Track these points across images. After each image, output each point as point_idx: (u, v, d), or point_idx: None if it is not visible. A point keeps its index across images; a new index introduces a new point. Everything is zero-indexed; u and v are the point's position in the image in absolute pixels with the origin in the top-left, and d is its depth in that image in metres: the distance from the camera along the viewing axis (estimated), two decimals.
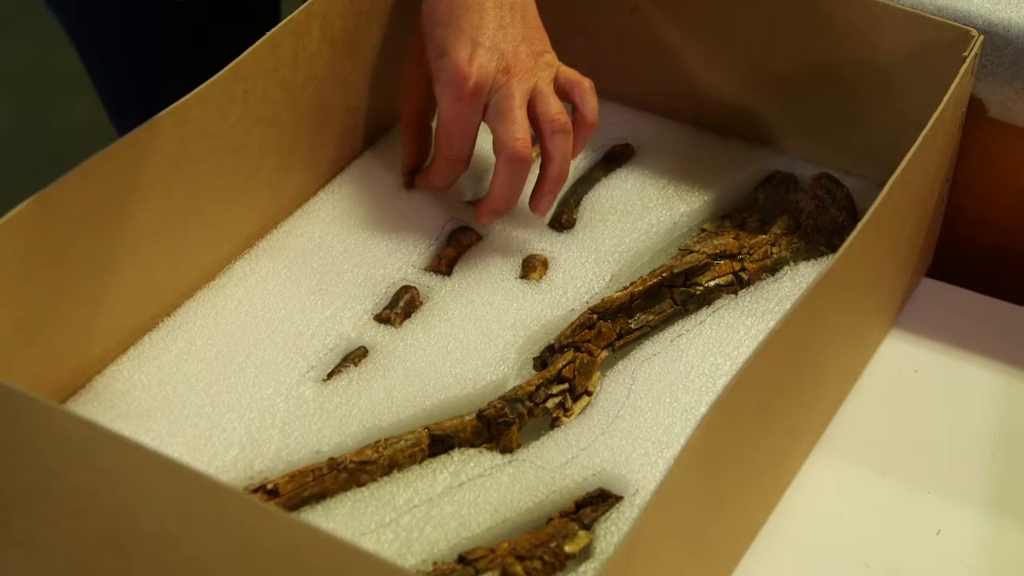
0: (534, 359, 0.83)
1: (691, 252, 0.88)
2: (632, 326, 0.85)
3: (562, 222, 0.92)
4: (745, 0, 0.94)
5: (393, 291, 0.86)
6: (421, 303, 0.86)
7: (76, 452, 0.64)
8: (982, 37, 0.86)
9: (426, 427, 0.77)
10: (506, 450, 0.78)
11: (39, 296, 0.75)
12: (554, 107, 0.86)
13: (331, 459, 0.75)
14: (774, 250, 0.89)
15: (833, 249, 0.90)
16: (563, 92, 0.88)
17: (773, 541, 0.78)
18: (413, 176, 0.93)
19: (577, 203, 0.93)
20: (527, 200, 0.89)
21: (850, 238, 0.74)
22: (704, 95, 0.98)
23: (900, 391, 0.87)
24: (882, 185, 0.77)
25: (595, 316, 0.84)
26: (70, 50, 1.18)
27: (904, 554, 0.78)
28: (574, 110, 0.88)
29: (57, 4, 1.15)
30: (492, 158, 0.87)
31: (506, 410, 0.78)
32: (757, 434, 0.73)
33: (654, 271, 0.87)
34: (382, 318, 0.85)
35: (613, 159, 0.97)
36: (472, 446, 0.78)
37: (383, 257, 0.88)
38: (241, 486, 0.74)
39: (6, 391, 0.64)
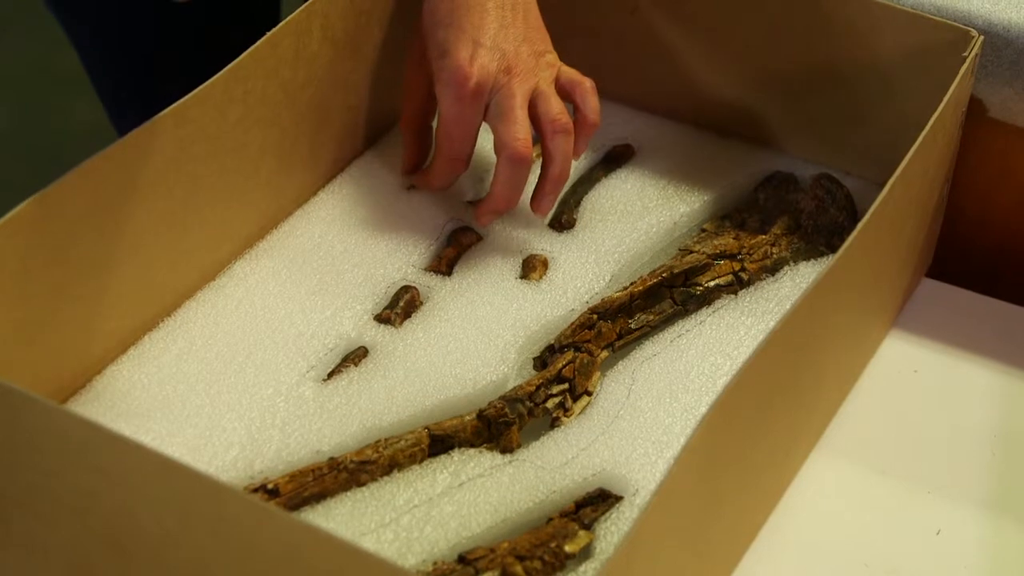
0: (534, 359, 0.83)
1: (691, 252, 0.89)
2: (632, 326, 0.85)
3: (562, 222, 0.92)
4: (745, 0, 0.94)
5: (393, 291, 0.86)
6: (421, 303, 0.86)
7: (76, 452, 0.64)
8: (982, 37, 0.86)
9: (426, 427, 0.77)
10: (506, 450, 0.78)
11: (39, 296, 0.75)
12: (555, 107, 0.86)
13: (331, 459, 0.75)
14: (774, 250, 0.89)
15: (833, 249, 0.90)
16: (564, 92, 0.88)
17: (773, 541, 0.78)
18: (414, 176, 0.93)
19: (577, 203, 0.93)
20: (528, 200, 0.89)
21: (850, 238, 0.74)
22: (704, 95, 0.98)
23: (900, 391, 0.87)
24: (882, 185, 0.77)
25: (595, 316, 0.84)
26: (70, 50, 1.18)
27: (904, 554, 0.78)
28: (575, 110, 0.88)
29: (57, 4, 1.15)
30: (493, 158, 0.87)
31: (506, 410, 0.78)
32: (757, 434, 0.73)
33: (654, 271, 0.87)
34: (382, 318, 0.85)
35: (613, 159, 0.97)
36: (472, 446, 0.78)
37: (383, 257, 0.88)
38: (241, 486, 0.74)
39: (6, 391, 0.64)
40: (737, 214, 0.93)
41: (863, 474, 0.82)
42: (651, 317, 0.85)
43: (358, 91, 0.94)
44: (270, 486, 0.73)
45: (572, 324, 0.84)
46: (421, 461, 0.77)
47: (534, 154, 0.90)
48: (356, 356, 0.82)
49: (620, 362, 0.83)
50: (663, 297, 0.86)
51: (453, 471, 0.76)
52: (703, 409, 0.76)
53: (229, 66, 0.82)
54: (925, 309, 0.92)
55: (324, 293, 0.86)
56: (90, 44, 1.17)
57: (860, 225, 0.75)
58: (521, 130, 0.84)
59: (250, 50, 0.83)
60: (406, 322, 0.85)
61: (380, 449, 0.76)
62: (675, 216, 0.93)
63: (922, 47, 0.88)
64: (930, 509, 0.80)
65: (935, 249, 0.95)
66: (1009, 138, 0.94)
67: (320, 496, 0.74)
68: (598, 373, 0.82)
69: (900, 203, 0.81)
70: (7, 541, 0.71)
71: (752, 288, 0.88)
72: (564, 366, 0.81)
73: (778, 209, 0.92)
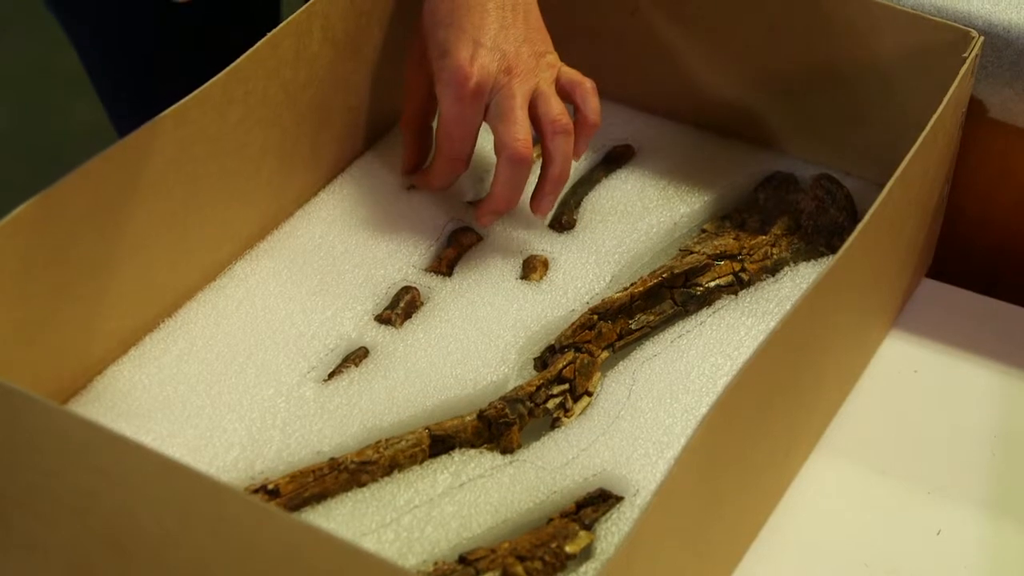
0: (534, 360, 0.83)
1: (691, 253, 0.89)
2: (632, 327, 0.85)
3: (562, 223, 0.92)
4: (745, 1, 0.94)
5: (394, 292, 0.86)
6: (422, 304, 0.86)
7: (77, 452, 0.64)
8: (982, 38, 0.86)
9: (427, 427, 0.77)
10: (507, 450, 0.78)
11: (40, 296, 0.75)
12: (555, 108, 0.86)
13: (332, 459, 0.75)
14: (774, 251, 0.89)
15: (833, 250, 0.90)
16: (565, 93, 0.88)
17: (773, 541, 0.78)
18: (414, 176, 0.93)
19: (577, 204, 0.93)
20: (528, 201, 0.89)
21: (850, 239, 0.74)
22: (704, 96, 0.98)
23: (900, 391, 0.87)
24: (882, 186, 0.77)
25: (595, 317, 0.84)
26: (70, 50, 1.18)
27: (904, 554, 0.78)
28: (575, 111, 0.88)
29: (57, 4, 1.15)
30: (493, 158, 0.87)
31: (507, 410, 0.78)
32: (757, 434, 0.73)
33: (654, 272, 0.87)
34: (383, 319, 0.85)
35: (613, 160, 0.97)
36: (473, 446, 0.78)
37: (384, 258, 0.88)
38: (242, 487, 0.74)
39: (6, 391, 0.64)
40: (737, 214, 0.93)
41: (863, 474, 0.82)
42: (651, 318, 0.85)
43: (358, 91, 0.94)
44: (271, 487, 0.73)
45: (572, 324, 0.84)
46: (422, 461, 0.77)
47: (534, 155, 0.90)
48: (357, 357, 0.82)
49: (620, 363, 0.83)
50: (663, 298, 0.86)
51: (454, 471, 0.76)
52: (703, 409, 0.76)
53: (230, 67, 0.82)
54: (925, 309, 0.92)
55: (325, 293, 0.86)
56: (90, 44, 1.17)
57: (860, 225, 0.75)
58: (521, 130, 0.84)
59: (251, 51, 0.83)
60: (407, 323, 0.85)
61: (381, 449, 0.76)
62: (675, 217, 0.93)
63: (922, 48, 0.88)
64: (930, 509, 0.80)
65: (935, 249, 0.95)
66: (1009, 138, 0.94)
67: (321, 497, 0.74)
68: (598, 373, 0.82)
69: (900, 203, 0.81)
70: (7, 541, 0.71)
71: (752, 288, 0.88)
72: (564, 366, 0.81)
73: (778, 209, 0.92)
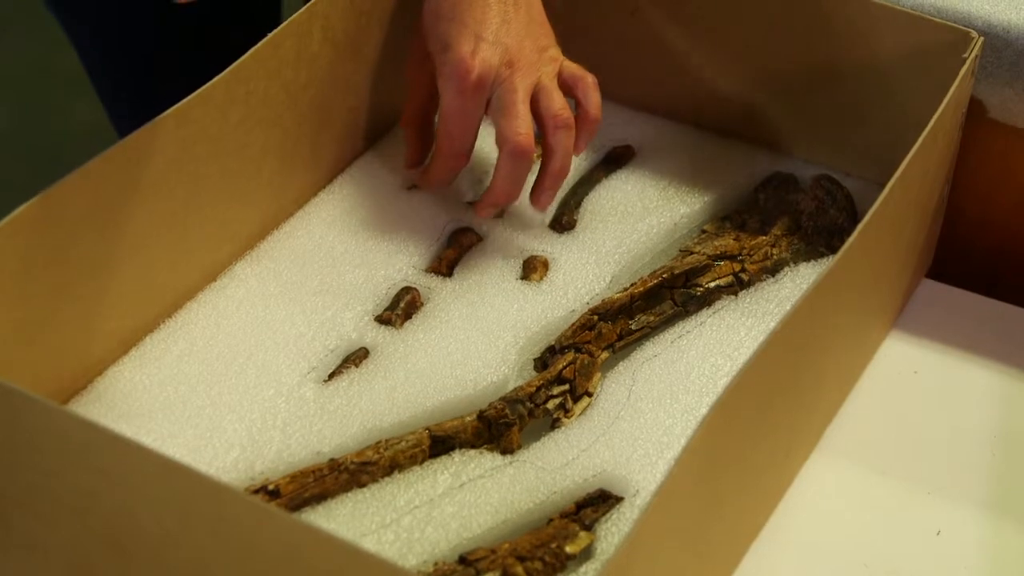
0: (535, 360, 0.83)
1: (691, 253, 0.89)
2: (632, 327, 0.85)
3: (562, 223, 0.92)
4: (745, 1, 0.94)
5: (394, 292, 0.86)
6: (422, 304, 0.86)
7: (77, 453, 0.64)
8: (982, 39, 0.86)
9: (427, 428, 0.77)
10: (507, 451, 0.78)
11: (40, 297, 0.75)
12: (557, 102, 0.86)
13: (332, 460, 0.75)
14: (774, 251, 0.89)
15: (833, 250, 0.90)
16: (567, 87, 0.88)
17: (773, 542, 0.78)
18: (414, 174, 0.93)
19: (577, 204, 0.93)
20: (526, 199, 0.89)
21: (850, 239, 0.74)
22: (704, 96, 0.98)
23: (900, 392, 0.87)
24: (882, 186, 0.77)
25: (595, 317, 0.84)
26: (70, 50, 1.18)
27: (904, 555, 0.78)
28: (577, 106, 0.88)
29: (57, 4, 1.15)
30: (493, 159, 0.87)
31: (507, 411, 0.78)
32: (757, 435, 0.73)
33: (654, 272, 0.87)
34: (383, 319, 0.85)
35: (613, 160, 0.97)
36: (473, 447, 0.78)
37: (384, 258, 0.88)
38: (242, 487, 0.74)
39: (7, 391, 0.64)
40: (737, 215, 0.93)
41: (863, 475, 0.82)
42: (651, 318, 0.86)
43: (359, 92, 0.94)
44: (271, 487, 0.73)
45: (573, 325, 0.84)
46: (422, 462, 0.77)
47: (537, 150, 0.90)
48: (357, 357, 0.82)
49: (620, 363, 0.83)
50: (663, 298, 0.86)
51: (454, 472, 0.76)
52: (703, 410, 0.76)
53: (231, 67, 0.82)
54: (925, 310, 0.92)
55: (325, 294, 0.86)
56: (90, 44, 1.17)
57: (860, 226, 0.75)
58: (523, 124, 0.84)
59: (252, 51, 0.83)
60: (407, 323, 0.85)
61: (381, 450, 0.76)
62: (675, 217, 0.93)
63: (922, 48, 0.88)
64: (930, 510, 0.80)
65: (935, 250, 0.95)
66: (1009, 139, 0.94)
67: (321, 497, 0.74)
68: (598, 374, 0.82)
69: (900, 204, 0.81)
70: (7, 541, 0.71)
71: (752, 289, 0.88)
72: (565, 367, 0.81)
73: (778, 210, 0.92)
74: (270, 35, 0.84)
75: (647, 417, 0.79)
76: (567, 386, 0.81)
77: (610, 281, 0.88)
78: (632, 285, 0.86)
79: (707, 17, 0.96)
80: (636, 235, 0.91)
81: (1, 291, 0.73)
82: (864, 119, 0.94)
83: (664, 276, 0.87)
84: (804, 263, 0.90)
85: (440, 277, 0.88)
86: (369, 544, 0.72)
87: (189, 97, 0.79)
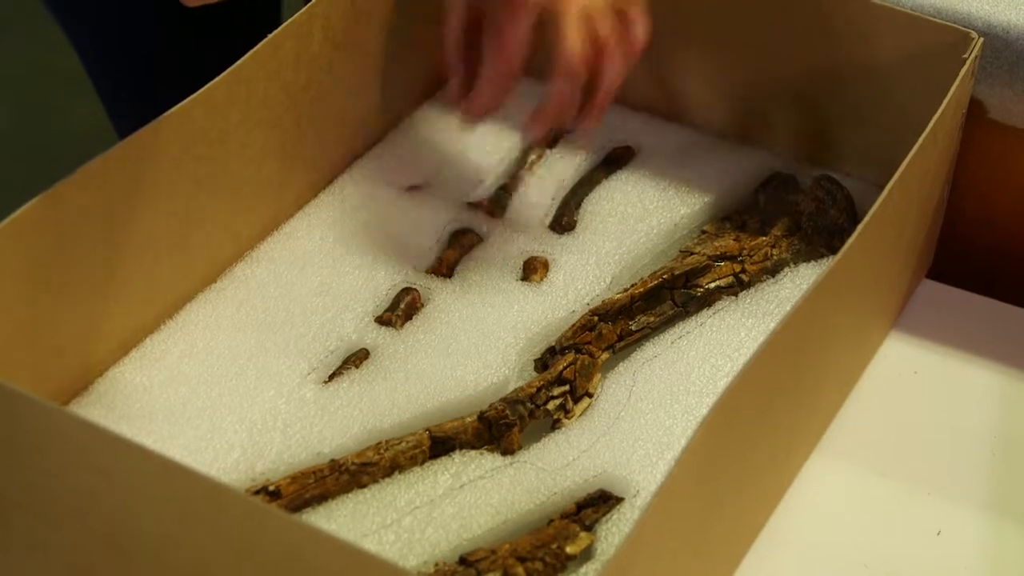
0: (535, 361, 0.83)
1: (692, 254, 0.89)
2: (633, 328, 0.85)
3: (563, 224, 0.92)
4: (745, 1, 0.94)
5: (394, 293, 0.86)
6: (422, 305, 0.86)
7: (77, 453, 0.64)
8: (982, 39, 0.86)
9: (427, 429, 0.77)
10: (507, 452, 0.78)
11: (41, 297, 0.75)
12: (606, 28, 0.84)
13: (332, 461, 0.75)
14: (774, 252, 0.90)
15: (833, 251, 0.90)
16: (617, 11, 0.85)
17: (773, 542, 0.78)
18: (461, 108, 0.86)
19: (578, 205, 0.93)
20: (527, 200, 0.89)
21: (850, 240, 0.74)
22: (704, 97, 0.98)
23: (900, 392, 0.87)
24: (882, 187, 0.77)
25: (596, 318, 0.84)
26: (70, 51, 1.18)
27: (904, 555, 0.78)
28: (624, 32, 0.85)
29: (57, 5, 1.15)
30: (492, 159, 0.87)
31: (507, 412, 0.78)
32: (758, 435, 0.74)
33: (655, 273, 0.87)
34: (383, 320, 0.85)
35: (613, 161, 0.97)
36: (473, 448, 0.78)
37: (384, 259, 0.88)
38: (243, 488, 0.74)
39: (7, 392, 0.64)
40: (737, 216, 0.93)
41: (863, 475, 0.82)
42: (652, 319, 0.86)
43: (359, 93, 0.94)
44: (271, 488, 0.73)
45: (573, 326, 0.84)
46: (422, 463, 0.77)
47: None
48: (357, 358, 0.82)
49: (621, 364, 0.83)
50: (664, 299, 0.86)
51: (454, 473, 0.76)
52: (704, 410, 0.76)
53: (231, 68, 0.82)
54: (925, 310, 0.92)
55: (325, 295, 0.86)
56: (90, 44, 1.17)
57: (860, 226, 0.75)
58: (576, 44, 0.82)
59: (252, 52, 0.83)
60: (407, 324, 0.85)
61: (381, 451, 0.76)
62: (675, 218, 0.93)
63: (922, 49, 0.88)
64: (930, 510, 0.80)
65: (935, 250, 0.95)
66: (1009, 140, 0.94)
67: (321, 498, 0.74)
68: (599, 375, 0.82)
69: (900, 204, 0.81)
70: (7, 541, 0.71)
71: (752, 290, 0.88)
72: (565, 368, 0.81)
73: (778, 211, 0.92)
74: (270, 36, 0.84)
75: (647, 418, 0.79)
76: (567, 387, 0.81)
77: (610, 282, 0.88)
78: (632, 286, 0.86)
79: (707, 17, 0.96)
80: (636, 236, 0.91)
81: (2, 292, 0.73)
82: (864, 120, 0.94)
83: (664, 277, 0.87)
84: (804, 264, 0.90)
85: (440, 278, 0.88)
86: (370, 545, 0.72)
87: (190, 98, 0.79)
